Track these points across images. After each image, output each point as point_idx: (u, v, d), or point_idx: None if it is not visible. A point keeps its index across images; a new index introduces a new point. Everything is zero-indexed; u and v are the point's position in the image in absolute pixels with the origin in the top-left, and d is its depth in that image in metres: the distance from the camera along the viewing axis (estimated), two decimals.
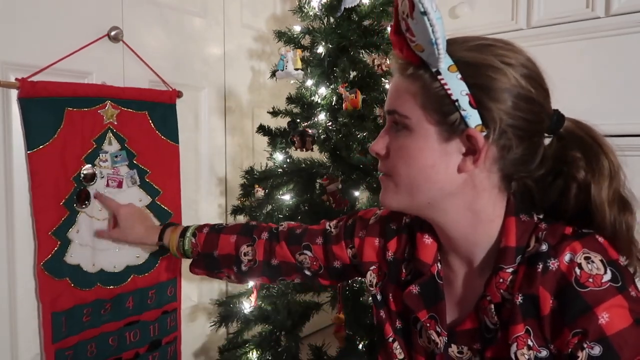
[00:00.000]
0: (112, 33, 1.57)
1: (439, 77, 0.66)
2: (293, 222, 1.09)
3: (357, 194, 1.63)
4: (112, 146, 1.55)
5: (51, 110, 1.40)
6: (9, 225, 1.37)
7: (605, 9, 1.42)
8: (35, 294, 1.41)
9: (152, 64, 1.68)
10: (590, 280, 0.59)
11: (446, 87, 0.65)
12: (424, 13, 0.60)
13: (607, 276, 0.59)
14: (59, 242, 1.42)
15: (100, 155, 1.52)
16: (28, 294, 1.40)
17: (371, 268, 0.86)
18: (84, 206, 1.47)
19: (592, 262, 0.60)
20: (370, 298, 0.98)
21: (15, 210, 1.37)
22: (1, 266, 1.36)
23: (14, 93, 1.35)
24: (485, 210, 0.68)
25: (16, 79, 1.33)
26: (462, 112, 0.65)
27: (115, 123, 1.55)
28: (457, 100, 0.65)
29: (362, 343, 1.53)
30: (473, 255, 0.71)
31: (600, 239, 0.64)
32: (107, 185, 1.54)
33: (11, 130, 1.36)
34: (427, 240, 0.77)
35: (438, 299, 0.74)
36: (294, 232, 1.05)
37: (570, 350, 0.59)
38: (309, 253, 0.99)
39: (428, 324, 0.74)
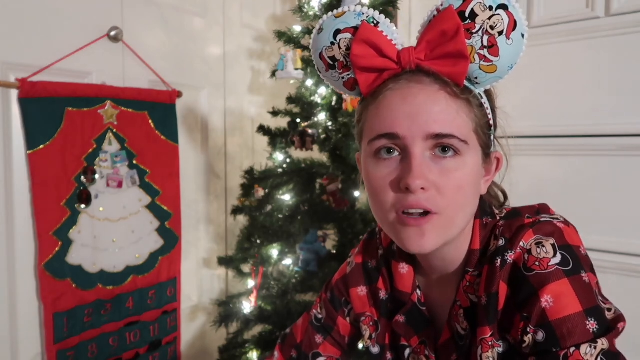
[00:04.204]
0: (112, 33, 1.57)
1: (482, 100, 0.64)
2: (278, 354, 0.90)
3: (357, 194, 1.63)
4: (112, 146, 1.55)
5: (51, 110, 1.40)
6: (9, 225, 1.37)
7: (605, 9, 1.42)
8: (35, 294, 1.41)
9: (152, 64, 1.69)
10: (537, 263, 0.58)
11: (487, 110, 0.64)
12: (524, 36, 0.58)
13: (556, 259, 0.58)
14: (60, 243, 1.42)
15: (101, 155, 1.52)
16: (28, 294, 1.40)
17: (361, 320, 0.80)
18: (84, 206, 1.48)
19: (543, 246, 0.59)
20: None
21: (16, 210, 1.37)
22: (1, 266, 1.36)
23: (14, 93, 1.35)
24: (469, 223, 0.68)
25: (16, 79, 1.33)
26: (492, 136, 0.66)
27: (115, 123, 1.55)
28: (492, 124, 0.65)
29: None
30: (449, 267, 0.70)
31: (560, 225, 0.62)
32: (107, 185, 1.55)
33: (11, 130, 1.36)
34: (403, 269, 0.74)
35: (426, 324, 0.72)
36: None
37: (519, 336, 0.58)
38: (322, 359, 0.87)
39: (418, 350, 0.73)
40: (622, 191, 1.40)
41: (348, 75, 0.64)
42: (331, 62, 0.64)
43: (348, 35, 0.62)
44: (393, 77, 0.61)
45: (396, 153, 0.60)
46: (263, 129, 1.77)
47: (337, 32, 0.62)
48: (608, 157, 1.43)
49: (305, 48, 1.68)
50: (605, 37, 1.42)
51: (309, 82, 1.67)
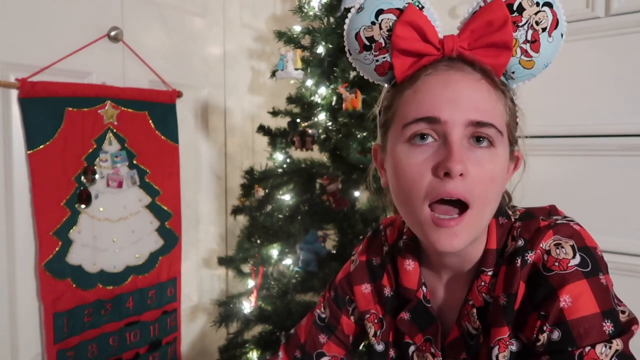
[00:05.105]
0: (112, 33, 1.57)
1: (514, 96, 0.65)
2: (282, 354, 0.89)
3: (357, 194, 1.63)
4: (112, 146, 1.55)
5: (51, 110, 1.40)
6: (9, 225, 1.37)
7: (605, 9, 1.42)
8: (35, 294, 1.41)
9: (152, 64, 1.68)
10: (556, 264, 0.58)
11: (517, 107, 0.65)
12: (562, 36, 0.60)
13: (575, 260, 0.58)
14: (60, 243, 1.42)
15: (101, 155, 1.52)
16: (28, 294, 1.40)
17: (366, 317, 0.79)
18: (84, 206, 1.48)
19: (562, 247, 0.59)
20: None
21: (16, 210, 1.37)
22: (1, 266, 1.35)
23: (14, 93, 1.35)
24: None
25: (16, 79, 1.33)
26: (517, 133, 0.66)
27: (115, 123, 1.55)
28: (518, 121, 0.65)
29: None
30: (464, 266, 0.69)
31: (577, 227, 0.62)
32: (107, 185, 1.54)
33: (11, 130, 1.36)
34: (409, 265, 0.73)
35: (431, 322, 0.71)
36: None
37: (534, 335, 0.58)
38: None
39: (424, 347, 0.72)
40: (622, 191, 1.40)
41: (384, 58, 0.63)
42: (368, 43, 0.63)
43: (392, 16, 0.61)
44: (431, 63, 0.61)
45: (430, 139, 0.59)
46: (263, 129, 1.77)
47: (380, 12, 0.61)
48: (608, 157, 1.43)
49: (305, 48, 1.68)
50: (605, 37, 1.42)
51: (309, 82, 1.67)
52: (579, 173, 1.47)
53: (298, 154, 1.70)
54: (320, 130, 1.64)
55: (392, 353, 0.77)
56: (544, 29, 0.59)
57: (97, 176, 1.50)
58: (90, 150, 1.49)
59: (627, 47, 1.39)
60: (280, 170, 1.71)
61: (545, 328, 0.57)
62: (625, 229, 1.40)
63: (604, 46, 1.43)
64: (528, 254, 0.61)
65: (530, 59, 0.60)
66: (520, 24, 0.59)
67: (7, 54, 1.34)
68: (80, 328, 1.47)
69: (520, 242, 0.62)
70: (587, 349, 0.54)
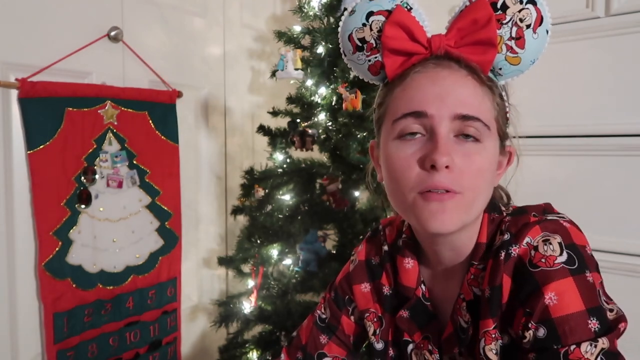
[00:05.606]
0: (112, 33, 1.57)
1: (503, 92, 0.66)
2: (285, 356, 0.89)
3: (357, 194, 1.63)
4: (112, 146, 1.55)
5: (51, 110, 1.40)
6: (9, 225, 1.37)
7: (605, 9, 1.42)
8: (35, 294, 1.41)
9: (152, 64, 1.68)
10: (543, 260, 0.59)
11: (506, 102, 0.66)
12: (548, 32, 0.61)
13: (562, 258, 0.58)
14: (60, 243, 1.42)
15: (101, 155, 1.52)
16: (28, 294, 1.40)
17: (366, 316, 0.80)
18: (84, 206, 1.48)
19: (550, 244, 0.59)
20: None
21: (16, 210, 1.37)
22: (1, 266, 1.35)
23: (14, 93, 1.35)
24: (480, 215, 0.69)
25: (16, 79, 1.33)
26: (509, 129, 0.67)
27: (115, 123, 1.55)
28: (508, 116, 0.68)
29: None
30: (457, 259, 0.70)
31: (566, 224, 0.62)
32: (107, 185, 1.55)
33: (11, 130, 1.36)
34: (408, 264, 0.74)
35: (430, 319, 0.72)
36: None
37: (520, 331, 0.58)
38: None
39: (422, 345, 0.72)
40: (622, 191, 1.40)
41: (375, 57, 0.66)
42: (360, 44, 0.66)
43: (381, 18, 0.63)
44: (420, 62, 0.63)
45: (419, 135, 0.61)
46: (263, 129, 1.77)
47: (370, 14, 0.64)
48: (608, 157, 1.43)
49: (305, 48, 1.68)
50: (605, 37, 1.42)
51: (309, 82, 1.67)
52: (579, 173, 1.47)
53: (298, 154, 1.70)
54: (320, 130, 1.64)
55: (391, 352, 0.78)
56: (528, 26, 0.61)
57: (97, 176, 1.50)
58: (90, 150, 1.49)
59: (627, 47, 1.39)
60: (280, 170, 1.71)
61: (530, 325, 0.57)
62: (625, 229, 1.40)
63: (604, 46, 1.43)
64: (512, 247, 0.61)
65: (516, 55, 0.62)
66: (504, 22, 0.61)
67: (7, 54, 1.34)
68: (80, 328, 1.47)
69: (507, 236, 0.63)
70: (573, 347, 0.54)
